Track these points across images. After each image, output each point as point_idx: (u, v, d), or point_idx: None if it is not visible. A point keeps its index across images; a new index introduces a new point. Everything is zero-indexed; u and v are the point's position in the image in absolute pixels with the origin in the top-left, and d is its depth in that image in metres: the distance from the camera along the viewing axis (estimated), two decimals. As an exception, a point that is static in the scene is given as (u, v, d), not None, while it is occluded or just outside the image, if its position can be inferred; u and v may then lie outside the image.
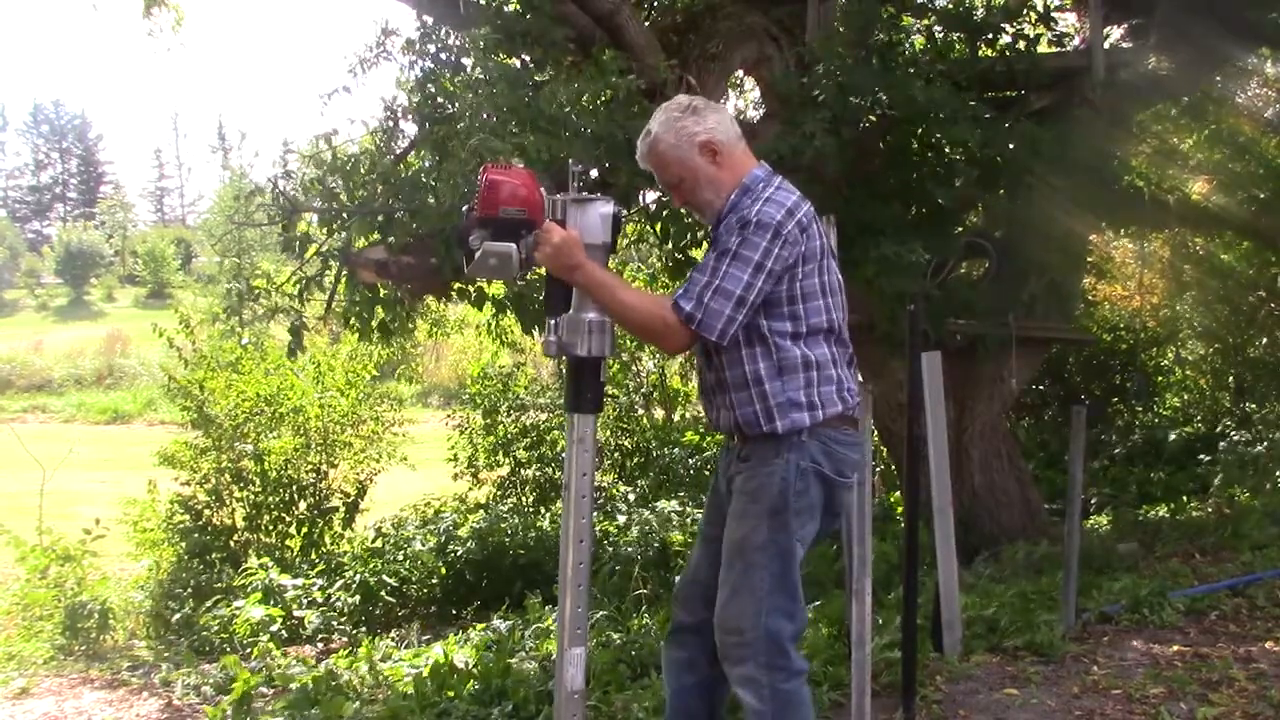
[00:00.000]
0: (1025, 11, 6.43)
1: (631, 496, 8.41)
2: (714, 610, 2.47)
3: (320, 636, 6.52)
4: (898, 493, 7.47)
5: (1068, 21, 6.92)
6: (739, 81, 7.93)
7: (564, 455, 2.41)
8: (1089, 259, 7.00)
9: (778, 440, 2.37)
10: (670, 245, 5.89)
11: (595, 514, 7.85)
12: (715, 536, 2.55)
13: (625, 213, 6.46)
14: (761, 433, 2.38)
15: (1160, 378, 9.89)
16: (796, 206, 2.37)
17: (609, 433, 9.72)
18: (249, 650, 5.87)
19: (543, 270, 2.38)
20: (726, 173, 2.43)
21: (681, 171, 2.44)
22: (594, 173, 5.16)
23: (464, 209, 2.31)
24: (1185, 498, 7.66)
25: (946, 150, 5.68)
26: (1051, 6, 6.54)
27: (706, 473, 8.98)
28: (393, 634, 6.50)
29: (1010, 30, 6.09)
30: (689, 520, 7.32)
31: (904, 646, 3.39)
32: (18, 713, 5.06)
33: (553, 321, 2.33)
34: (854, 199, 5.38)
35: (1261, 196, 7.29)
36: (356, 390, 8.77)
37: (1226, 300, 8.95)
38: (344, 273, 5.38)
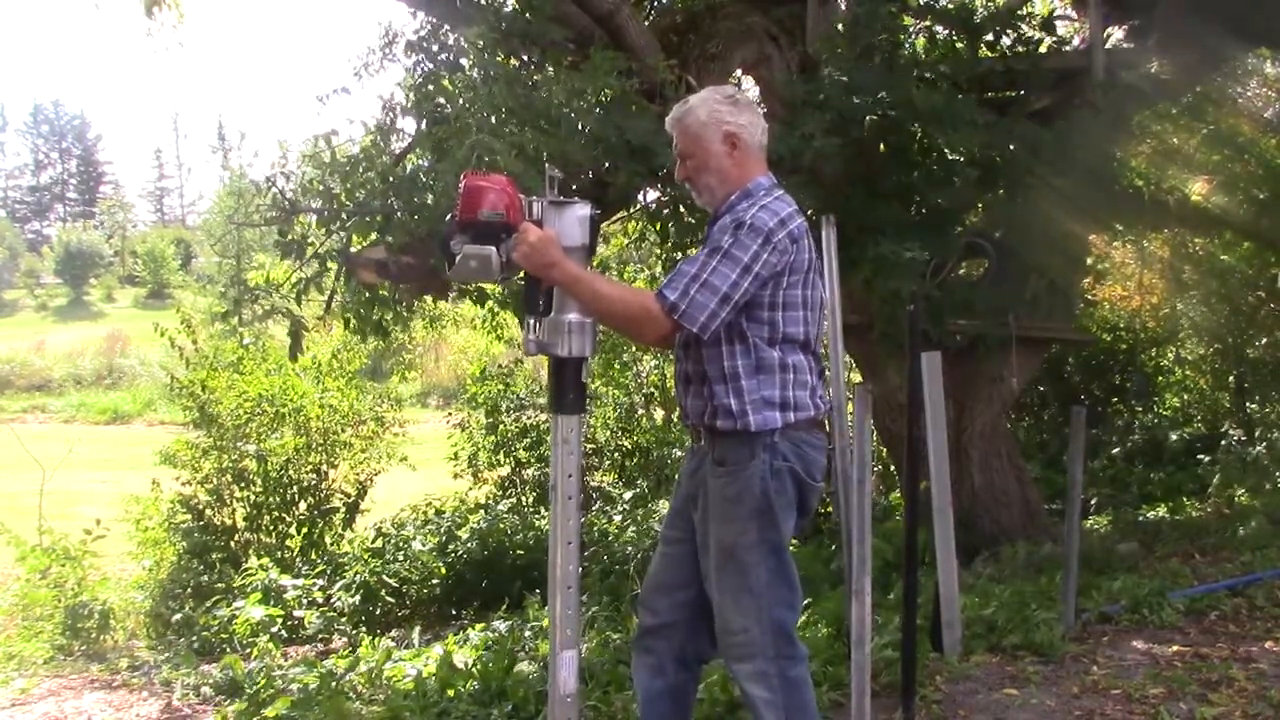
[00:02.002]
0: (1025, 14, 6.43)
1: (630, 496, 8.41)
2: (678, 613, 2.56)
3: (320, 636, 6.52)
4: (898, 493, 7.47)
5: (1069, 25, 6.92)
6: (738, 81, 7.93)
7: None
8: (1089, 259, 6.98)
9: (751, 439, 2.41)
10: (670, 245, 5.89)
11: (595, 514, 7.86)
12: (677, 539, 2.60)
13: (628, 212, 6.49)
14: (734, 428, 2.41)
15: (1160, 378, 9.88)
16: (790, 218, 2.42)
17: (609, 433, 9.73)
18: (249, 650, 5.87)
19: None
20: (737, 169, 2.49)
21: (696, 148, 2.50)
22: (591, 173, 5.17)
23: (447, 216, 2.35)
24: (1185, 498, 7.65)
25: (946, 151, 5.69)
26: (1052, 12, 6.54)
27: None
28: (393, 634, 6.50)
29: (1011, 35, 6.10)
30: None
31: (904, 646, 3.39)
32: (18, 713, 5.06)
33: (531, 321, 2.38)
34: (854, 199, 5.38)
35: (1261, 197, 7.28)
36: (355, 391, 8.77)
37: (1226, 300, 8.94)
38: (343, 273, 5.38)
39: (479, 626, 5.85)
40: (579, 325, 2.36)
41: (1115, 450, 8.86)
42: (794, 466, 2.43)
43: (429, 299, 6.02)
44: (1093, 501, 7.66)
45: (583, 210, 2.38)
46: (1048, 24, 6.34)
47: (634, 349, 9.54)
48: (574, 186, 5.31)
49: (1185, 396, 9.98)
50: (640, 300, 2.39)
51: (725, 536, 2.43)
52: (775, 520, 2.42)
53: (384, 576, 7.04)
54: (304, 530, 8.00)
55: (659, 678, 2.61)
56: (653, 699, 2.62)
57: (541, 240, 2.28)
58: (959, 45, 6.20)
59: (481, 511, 8.31)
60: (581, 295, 2.34)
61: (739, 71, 6.74)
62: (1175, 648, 3.99)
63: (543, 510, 8.45)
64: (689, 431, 2.62)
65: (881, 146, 5.75)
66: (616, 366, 9.68)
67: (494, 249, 2.28)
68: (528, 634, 5.27)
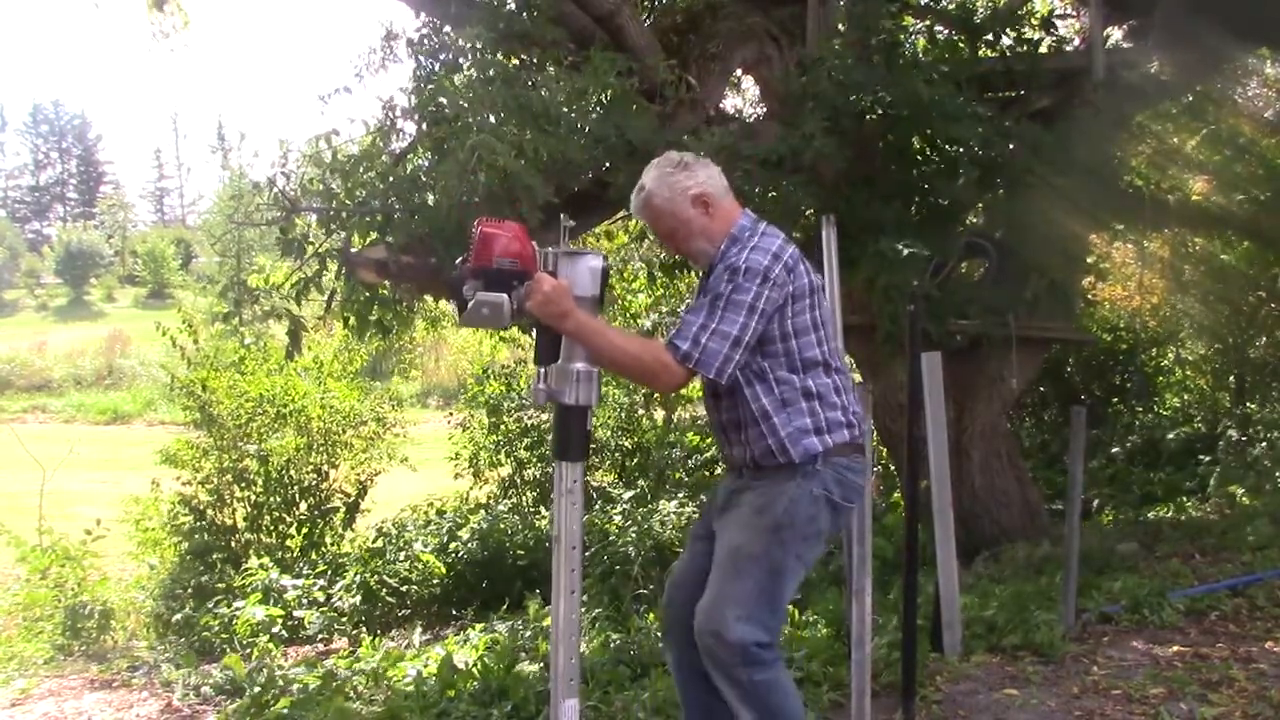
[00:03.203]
0: (1025, 15, 6.43)
1: (628, 495, 8.41)
2: (694, 608, 2.57)
3: (320, 637, 6.52)
4: (898, 493, 7.47)
5: (1068, 25, 6.92)
6: (738, 81, 7.93)
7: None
8: (1089, 259, 6.98)
9: (793, 467, 2.48)
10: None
11: (595, 514, 7.85)
12: (703, 537, 2.66)
13: (628, 212, 6.48)
14: (777, 464, 2.48)
15: (1160, 378, 9.87)
16: (782, 249, 2.48)
17: (609, 433, 9.73)
18: (249, 650, 5.87)
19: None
20: (718, 223, 2.56)
21: (675, 223, 2.57)
22: (591, 173, 5.16)
23: (457, 260, 2.38)
24: (1185, 498, 7.64)
25: (947, 148, 5.69)
26: (1052, 11, 6.54)
27: (706, 473, 8.98)
28: (393, 634, 6.50)
29: (1012, 34, 6.10)
30: (687, 521, 7.33)
31: (904, 646, 3.39)
32: (18, 713, 5.06)
33: (542, 370, 2.40)
34: (854, 198, 5.38)
35: (1261, 197, 7.28)
36: (357, 392, 8.78)
37: (1226, 300, 8.93)
38: (343, 272, 5.38)
39: (479, 626, 5.85)
40: (586, 374, 2.38)
41: (1115, 450, 8.85)
42: (832, 496, 2.50)
43: (429, 298, 6.02)
44: (1093, 502, 7.65)
45: (594, 261, 2.42)
46: (1047, 23, 6.34)
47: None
48: (574, 187, 5.31)
49: (1185, 396, 9.97)
50: (654, 353, 2.44)
51: (734, 540, 2.49)
52: (785, 541, 2.46)
53: (384, 577, 7.04)
54: (304, 530, 8.00)
55: (681, 670, 2.67)
56: (687, 687, 2.68)
57: (556, 290, 2.31)
58: (959, 45, 6.20)
59: (482, 511, 8.31)
60: (595, 346, 2.37)
61: (739, 71, 6.74)
62: (1175, 648, 3.99)
63: (542, 510, 8.45)
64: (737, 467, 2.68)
65: (882, 144, 5.75)
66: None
67: (506, 296, 2.30)
68: (528, 634, 5.27)
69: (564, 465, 2.39)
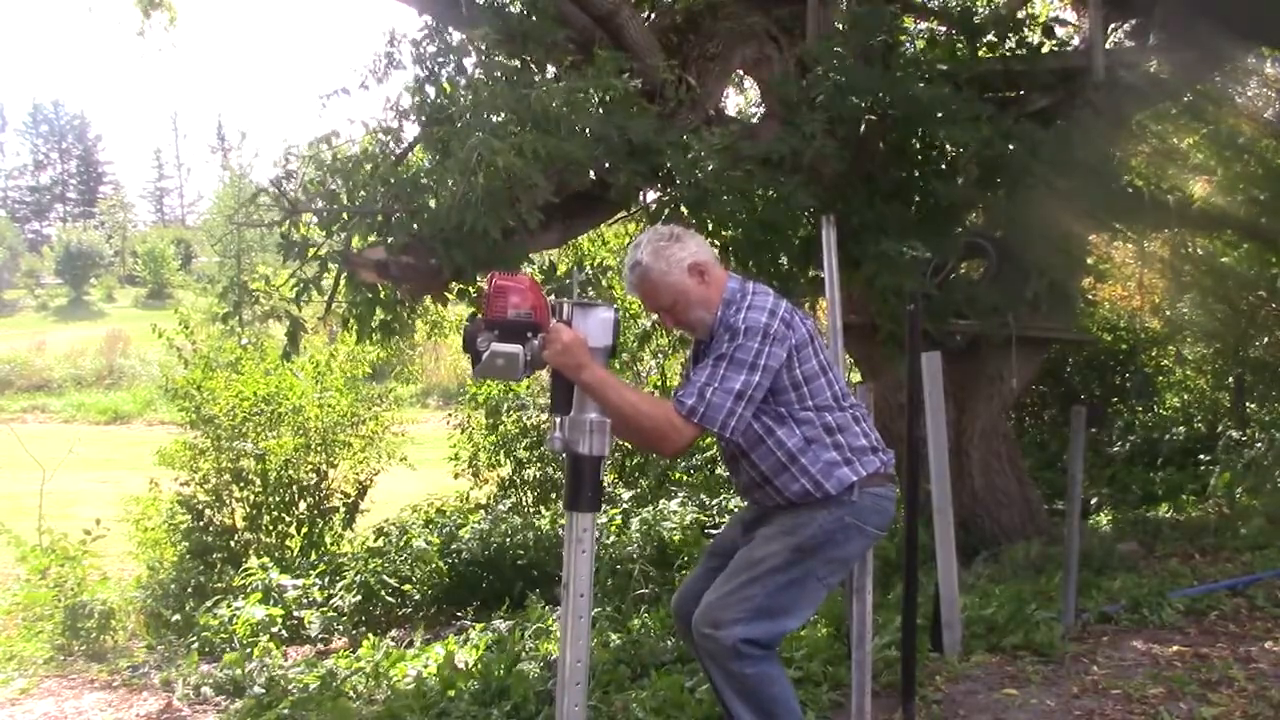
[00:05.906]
0: (1026, 17, 6.43)
1: (628, 495, 8.40)
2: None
3: (320, 637, 6.52)
4: (898, 492, 7.45)
5: (1067, 27, 6.92)
6: (739, 81, 7.93)
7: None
8: (1089, 259, 6.98)
9: (829, 499, 2.51)
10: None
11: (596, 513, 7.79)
12: (719, 554, 2.70)
13: (628, 212, 6.49)
14: (815, 500, 2.52)
15: (1160, 378, 9.88)
16: (775, 306, 2.52)
17: (610, 433, 9.71)
18: (249, 650, 5.87)
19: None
20: (714, 290, 2.59)
21: (674, 295, 2.59)
22: (592, 173, 5.16)
23: (470, 315, 2.41)
24: (1185, 498, 7.65)
25: (947, 149, 5.69)
26: (1051, 12, 6.53)
27: (706, 473, 8.98)
28: (393, 634, 6.50)
29: (1013, 38, 6.11)
30: (689, 521, 7.32)
31: (904, 646, 3.39)
32: (18, 713, 5.06)
33: (558, 419, 2.43)
34: (854, 198, 5.38)
35: (1261, 197, 7.28)
36: (355, 393, 8.77)
37: (1226, 300, 8.93)
38: (343, 274, 5.37)
39: (480, 626, 5.85)
40: (599, 424, 2.41)
41: (1115, 450, 8.86)
42: (865, 526, 2.55)
43: (429, 300, 6.01)
44: (1093, 501, 7.65)
45: (606, 313, 2.44)
46: (1048, 30, 6.35)
47: (635, 346, 9.53)
48: (574, 186, 5.30)
49: (1185, 396, 9.97)
50: (663, 410, 2.46)
51: (757, 551, 2.52)
52: (805, 560, 2.50)
53: (384, 576, 7.03)
54: (304, 530, 8.00)
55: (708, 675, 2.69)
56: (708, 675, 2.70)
57: (575, 341, 2.34)
58: (959, 46, 6.20)
59: (482, 512, 8.31)
60: (607, 400, 2.39)
61: (739, 71, 6.73)
62: (1175, 648, 3.99)
63: (543, 510, 8.45)
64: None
65: (882, 145, 5.75)
66: (616, 365, 9.66)
67: (520, 347, 2.33)
68: (529, 634, 5.27)
69: (575, 515, 2.40)
